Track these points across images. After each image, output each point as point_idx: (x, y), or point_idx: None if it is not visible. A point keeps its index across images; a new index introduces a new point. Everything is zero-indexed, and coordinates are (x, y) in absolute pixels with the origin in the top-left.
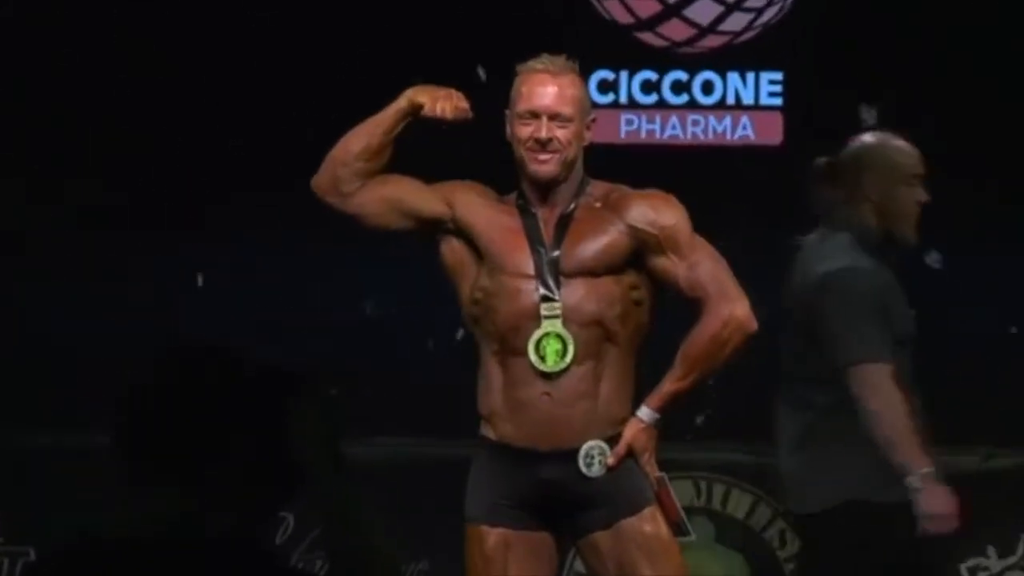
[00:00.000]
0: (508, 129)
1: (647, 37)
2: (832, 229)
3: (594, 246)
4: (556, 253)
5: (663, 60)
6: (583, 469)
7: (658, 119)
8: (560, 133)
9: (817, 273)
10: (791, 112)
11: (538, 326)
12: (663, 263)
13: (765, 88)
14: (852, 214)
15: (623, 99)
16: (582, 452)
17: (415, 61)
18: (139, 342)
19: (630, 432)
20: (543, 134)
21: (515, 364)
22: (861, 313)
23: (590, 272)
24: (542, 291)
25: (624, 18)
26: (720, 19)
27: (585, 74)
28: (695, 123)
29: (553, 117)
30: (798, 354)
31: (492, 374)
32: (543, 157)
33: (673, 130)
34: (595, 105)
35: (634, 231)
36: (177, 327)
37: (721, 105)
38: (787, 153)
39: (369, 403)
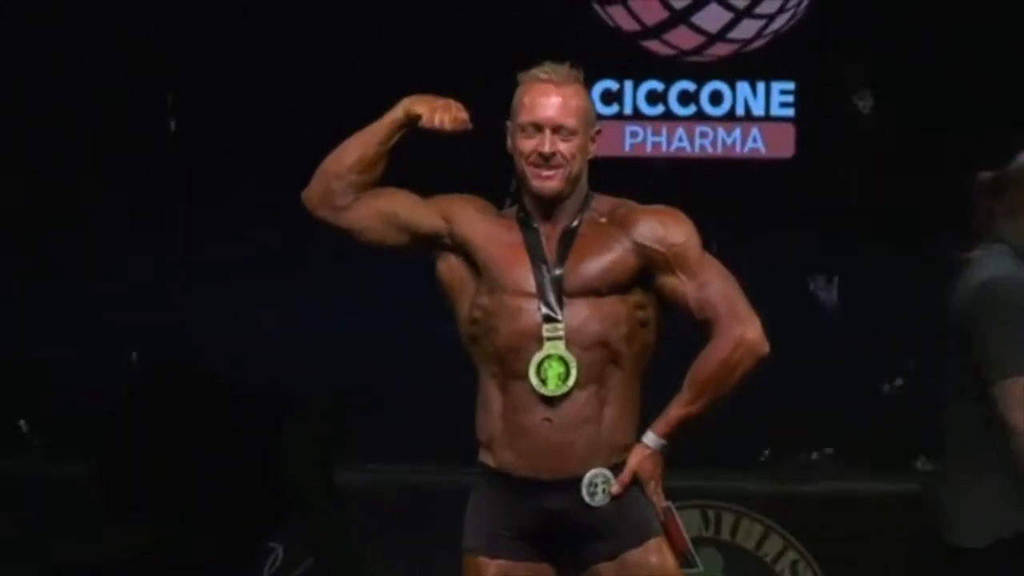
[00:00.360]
0: (509, 141)
1: (653, 45)
2: (992, 242)
3: (599, 264)
4: (559, 271)
5: (669, 69)
6: (586, 498)
7: (664, 131)
8: (564, 147)
9: (974, 285)
10: (803, 124)
11: (539, 348)
12: (671, 282)
13: (776, 99)
14: (1012, 228)
15: (627, 110)
16: (585, 480)
17: (413, 68)
18: (116, 360)
19: (635, 459)
20: (546, 148)
21: (515, 388)
22: (1013, 324)
23: (594, 291)
24: (544, 311)
25: (629, 25)
26: (729, 26)
27: (588, 84)
28: (703, 135)
29: (556, 130)
30: (965, 372)
31: (491, 398)
32: (546, 172)
33: (680, 143)
34: (598, 116)
35: (641, 248)
36: (158, 341)
37: (730, 116)
38: (799, 167)
39: (365, 427)
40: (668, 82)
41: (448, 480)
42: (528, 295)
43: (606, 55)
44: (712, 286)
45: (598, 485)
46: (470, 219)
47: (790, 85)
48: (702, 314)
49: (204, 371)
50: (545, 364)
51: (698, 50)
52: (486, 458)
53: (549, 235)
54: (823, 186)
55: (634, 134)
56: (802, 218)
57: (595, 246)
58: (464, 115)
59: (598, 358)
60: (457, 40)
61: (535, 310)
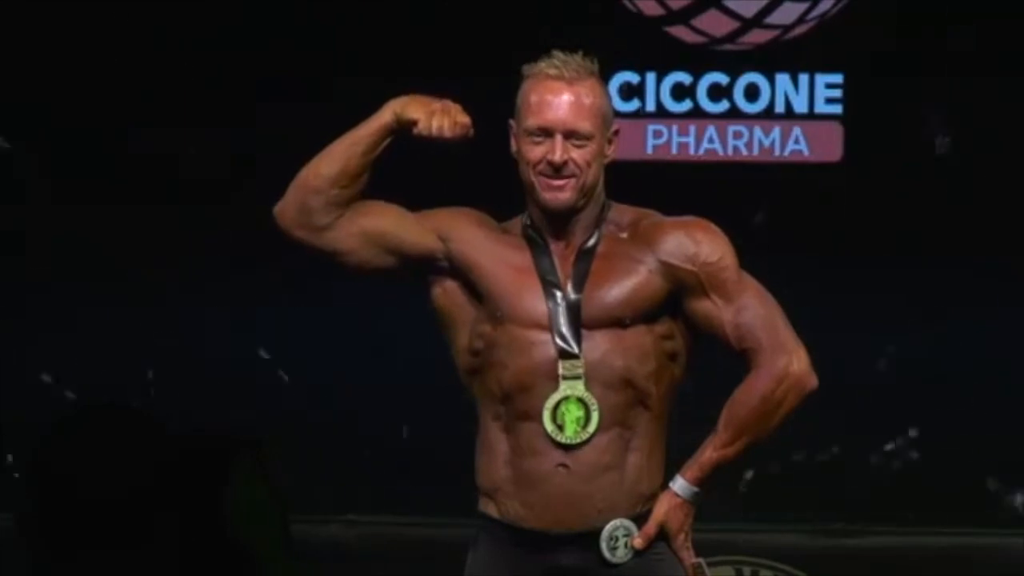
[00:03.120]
0: (513, 144)
1: (679, 32)
2: None
3: (621, 289)
4: (575, 297)
5: (699, 59)
6: (606, 554)
7: (692, 131)
8: (577, 154)
9: None
10: (852, 123)
11: (555, 388)
12: (705, 307)
13: (821, 93)
14: None
15: (650, 107)
16: (605, 534)
17: (418, 56)
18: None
19: (662, 509)
20: (557, 157)
21: (524, 430)
22: None
23: (617, 322)
24: (559, 344)
25: (652, 9)
26: (767, 10)
27: (605, 77)
28: (737, 135)
29: (569, 135)
30: None
31: (494, 441)
32: (557, 183)
33: (710, 144)
34: (617, 114)
35: (669, 269)
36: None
37: (768, 114)
38: (848, 171)
39: (343, 475)
40: (697, 74)
41: (442, 533)
42: (540, 326)
43: (626, 43)
44: (751, 311)
45: (619, 539)
46: (469, 237)
47: (838, 78)
48: (741, 344)
49: (146, 414)
50: (562, 407)
51: (732, 37)
52: (488, 508)
53: (562, 254)
54: (875, 193)
55: (658, 134)
56: (851, 230)
57: (616, 267)
58: (466, 119)
59: (623, 399)
60: (460, 34)
61: (548, 343)
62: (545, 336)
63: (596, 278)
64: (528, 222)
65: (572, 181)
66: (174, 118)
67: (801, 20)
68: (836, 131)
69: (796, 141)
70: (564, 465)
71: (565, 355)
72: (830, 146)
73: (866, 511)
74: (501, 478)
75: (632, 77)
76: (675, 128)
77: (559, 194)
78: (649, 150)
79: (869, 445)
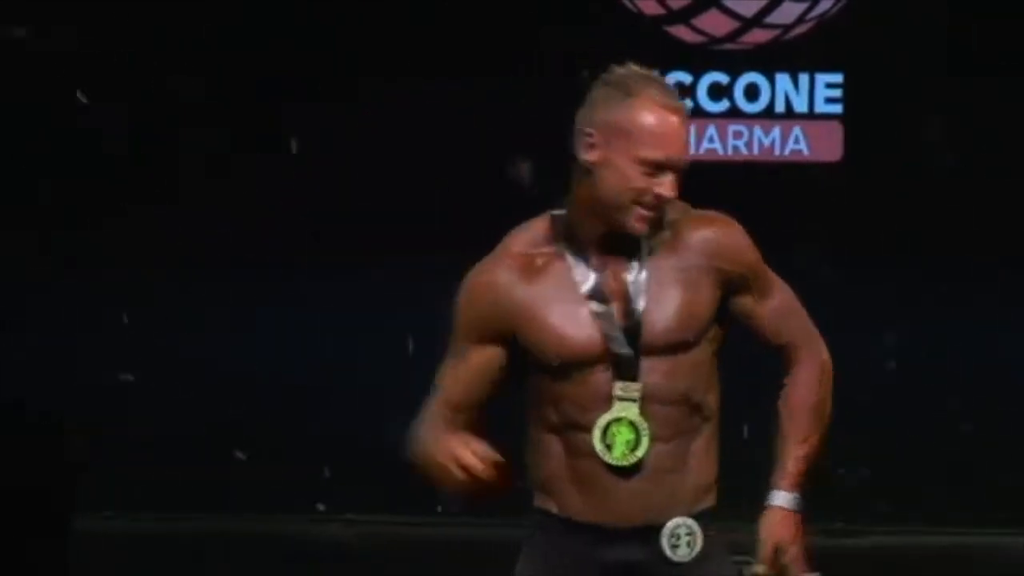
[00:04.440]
0: (595, 154)
1: (679, 31)
2: None
3: (682, 307)
4: (634, 319)
5: (699, 59)
6: (667, 551)
7: (692, 130)
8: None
9: None
10: (853, 122)
11: (607, 407)
12: (747, 303)
13: (821, 93)
14: None
15: None
16: (667, 531)
17: (412, 52)
18: None
19: (771, 526)
20: (669, 194)
21: (576, 437)
22: None
23: (682, 344)
24: (616, 368)
25: (652, 9)
26: (767, 9)
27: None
28: (737, 135)
29: (679, 171)
30: None
31: (546, 442)
32: (652, 215)
33: (710, 143)
34: None
35: (723, 274)
36: None
37: (769, 113)
38: (848, 171)
39: (342, 476)
40: (697, 74)
41: (442, 533)
42: (596, 355)
43: (626, 43)
44: (786, 305)
45: (681, 536)
46: (500, 314)
47: (838, 77)
48: (779, 339)
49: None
50: (613, 428)
51: (732, 37)
52: (545, 503)
53: (613, 269)
54: (875, 193)
55: None
56: (851, 229)
57: (671, 281)
58: (474, 460)
59: (679, 413)
60: (457, 30)
61: (605, 367)
62: (602, 361)
63: (654, 295)
64: (566, 232)
65: (659, 211)
66: (174, 118)
67: (801, 20)
68: (836, 131)
69: (796, 140)
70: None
71: (622, 376)
72: (830, 146)
73: (866, 511)
74: (557, 476)
75: None
76: None
77: (647, 223)
78: None
79: (868, 443)
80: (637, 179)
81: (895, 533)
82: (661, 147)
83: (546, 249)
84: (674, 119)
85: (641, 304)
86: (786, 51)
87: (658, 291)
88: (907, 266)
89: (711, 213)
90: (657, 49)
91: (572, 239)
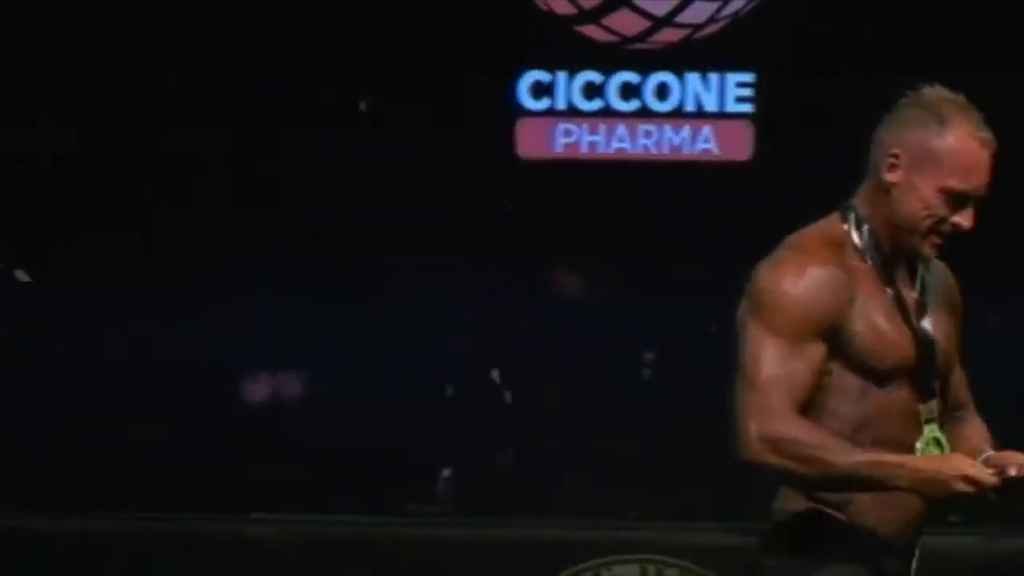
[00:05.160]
0: (903, 176)
1: (590, 31)
2: None
3: (950, 333)
4: (933, 339)
5: (609, 58)
6: (914, 564)
7: (602, 129)
8: None
9: None
10: (762, 122)
11: (918, 430)
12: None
13: (731, 92)
14: None
15: (560, 105)
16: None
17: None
18: None
19: (1004, 454)
20: (969, 224)
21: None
22: None
23: (951, 366)
24: (922, 387)
25: (563, 8)
26: (678, 9)
27: (514, 75)
28: (647, 134)
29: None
30: None
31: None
32: (943, 242)
33: (620, 143)
34: (526, 112)
35: (957, 312)
36: None
37: (678, 113)
38: (757, 171)
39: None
40: (607, 73)
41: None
42: (907, 371)
43: (536, 42)
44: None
45: (917, 551)
46: (844, 309)
47: (748, 77)
48: (957, 392)
49: None
50: (927, 451)
51: (642, 36)
52: (833, 510)
53: (904, 285)
54: (784, 193)
55: (567, 132)
56: (759, 229)
57: (939, 305)
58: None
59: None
60: (382, 31)
61: (906, 382)
62: (908, 375)
63: (934, 318)
64: (868, 239)
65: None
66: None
67: (712, 19)
68: (746, 130)
69: (706, 140)
70: None
71: (922, 391)
72: (739, 145)
73: None
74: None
75: (543, 76)
76: (585, 127)
77: (938, 251)
78: (558, 148)
79: None
80: (939, 207)
81: None
82: (969, 180)
83: (851, 252)
84: (985, 153)
85: (928, 323)
86: (697, 51)
87: (934, 313)
88: None
89: None
90: (567, 48)
91: (874, 248)
